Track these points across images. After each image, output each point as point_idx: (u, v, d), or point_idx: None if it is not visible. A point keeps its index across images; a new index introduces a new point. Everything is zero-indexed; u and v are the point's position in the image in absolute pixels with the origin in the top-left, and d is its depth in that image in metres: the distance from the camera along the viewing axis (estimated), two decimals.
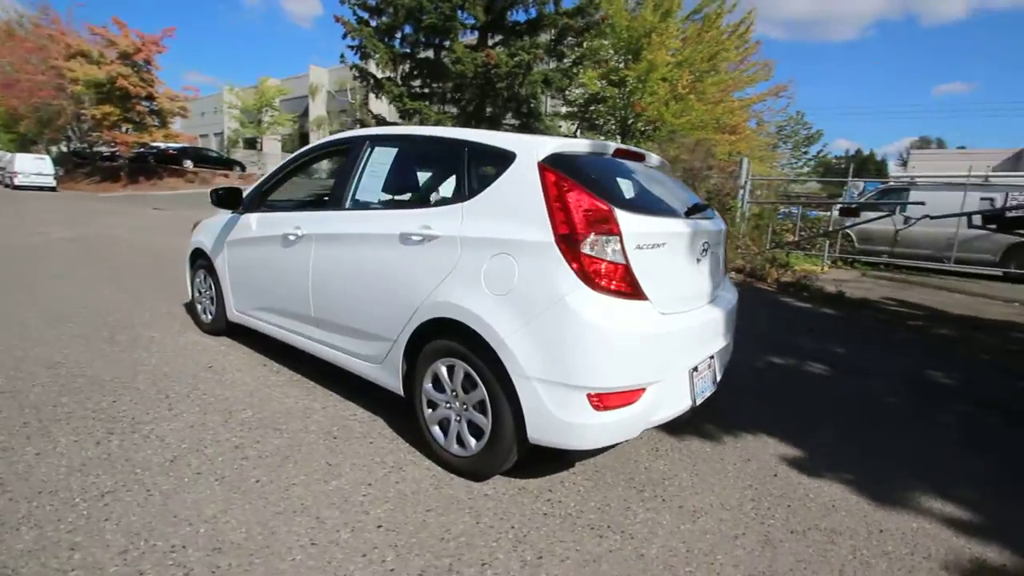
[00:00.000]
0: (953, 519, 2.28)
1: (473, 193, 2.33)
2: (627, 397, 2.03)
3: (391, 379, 2.61)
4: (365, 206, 2.84)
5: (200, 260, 4.13)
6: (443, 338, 2.31)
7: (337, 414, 2.88)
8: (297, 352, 3.36)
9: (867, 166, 55.37)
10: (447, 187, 2.72)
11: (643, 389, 2.06)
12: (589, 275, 1.96)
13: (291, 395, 3.10)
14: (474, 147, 2.43)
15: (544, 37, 18.78)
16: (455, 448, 2.32)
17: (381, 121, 20.30)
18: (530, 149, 2.22)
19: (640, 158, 2.70)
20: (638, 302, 2.06)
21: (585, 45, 18.04)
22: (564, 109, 23.59)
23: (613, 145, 2.48)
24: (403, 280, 2.45)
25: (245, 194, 3.65)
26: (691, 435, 2.89)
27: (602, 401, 1.98)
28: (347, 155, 3.05)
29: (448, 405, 2.35)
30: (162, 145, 28.01)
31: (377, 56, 17.79)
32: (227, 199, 3.57)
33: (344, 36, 17.56)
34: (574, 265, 1.96)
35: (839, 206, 12.29)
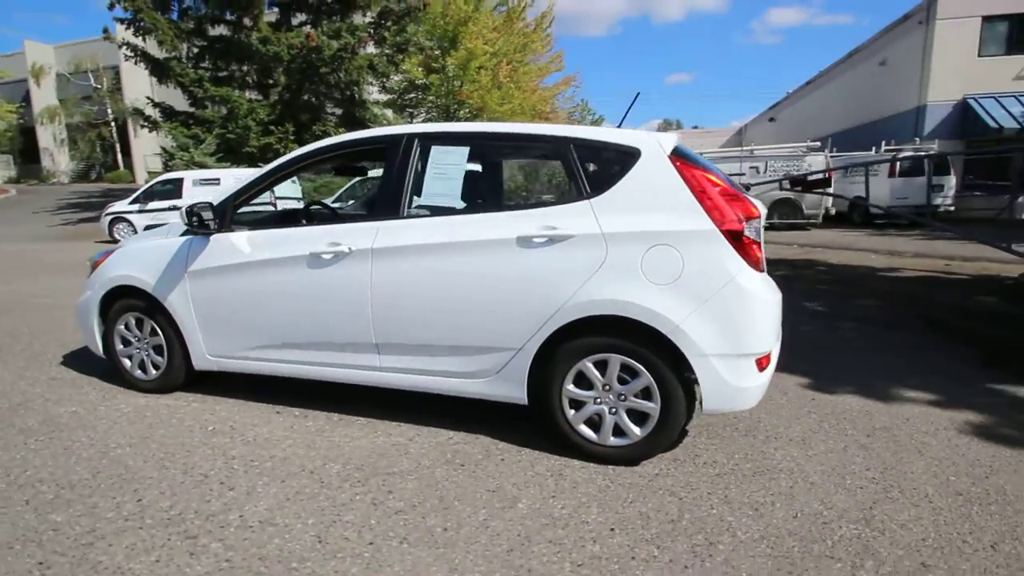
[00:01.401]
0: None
1: (598, 189, 2.34)
2: (770, 357, 2.34)
3: (510, 390, 2.49)
4: (439, 212, 2.57)
5: (127, 301, 3.18)
6: (591, 336, 2.31)
7: (432, 442, 2.61)
8: (296, 390, 2.90)
9: None
10: (541, 185, 2.62)
11: (772, 350, 2.39)
12: (749, 255, 2.19)
13: (354, 435, 2.69)
14: (581, 143, 2.42)
15: (359, 19, 17.74)
16: (613, 440, 2.36)
17: (167, 111, 16.91)
18: (654, 144, 2.32)
19: None
20: (766, 275, 2.37)
21: (409, 30, 17.55)
22: (384, 97, 22.74)
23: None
24: (530, 285, 2.34)
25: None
26: None
27: (760, 364, 2.25)
28: (387, 156, 2.70)
29: (598, 401, 2.36)
30: None
31: (159, 32, 14.73)
32: (203, 217, 2.81)
33: (111, 7, 14.11)
34: (739, 248, 2.17)
35: None
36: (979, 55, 16.63)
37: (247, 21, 16.34)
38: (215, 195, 2.98)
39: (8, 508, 2.09)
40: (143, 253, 3.16)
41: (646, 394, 2.29)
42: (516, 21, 23.15)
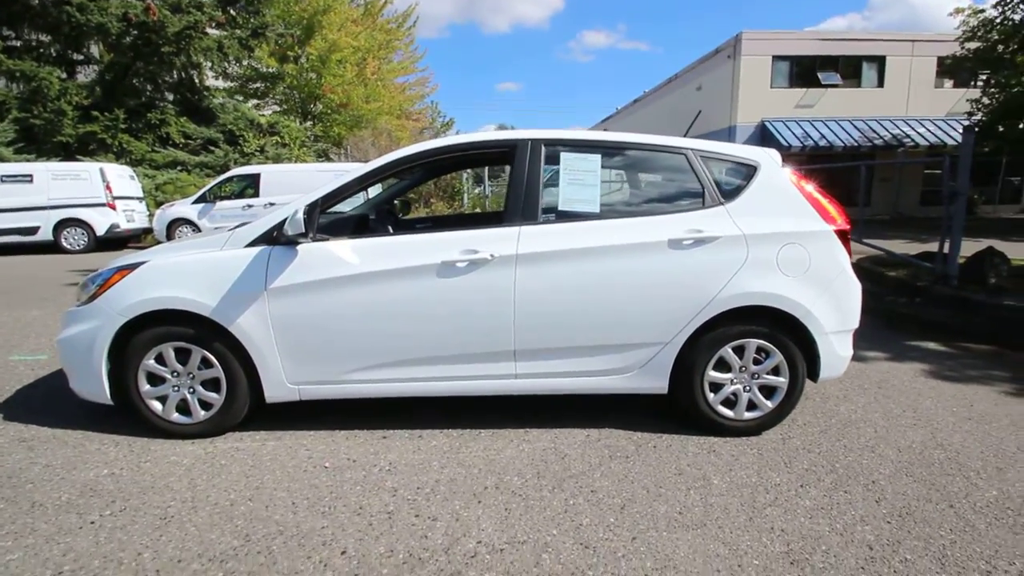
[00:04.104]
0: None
1: (729, 197, 2.65)
2: None
3: (653, 382, 2.67)
4: (576, 217, 2.63)
5: (164, 329, 2.58)
6: (731, 324, 2.61)
7: (576, 442, 2.67)
8: (359, 412, 2.81)
9: None
10: (666, 192, 2.81)
11: None
12: (848, 250, 2.70)
13: (496, 448, 2.62)
14: (707, 155, 2.70)
15: None
16: (747, 415, 2.70)
17: None
18: (769, 158, 2.73)
19: None
20: None
21: (266, 14, 15.82)
22: (223, 84, 20.11)
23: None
24: (682, 283, 2.56)
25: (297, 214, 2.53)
26: None
27: (853, 336, 2.80)
28: (515, 161, 2.67)
29: (734, 381, 2.68)
30: None
31: None
32: (294, 227, 2.43)
33: None
34: (846, 244, 2.67)
35: None
36: (771, 87, 20.85)
37: None
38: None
39: None
40: (191, 268, 2.59)
41: (775, 371, 2.68)
42: (376, 16, 22.35)
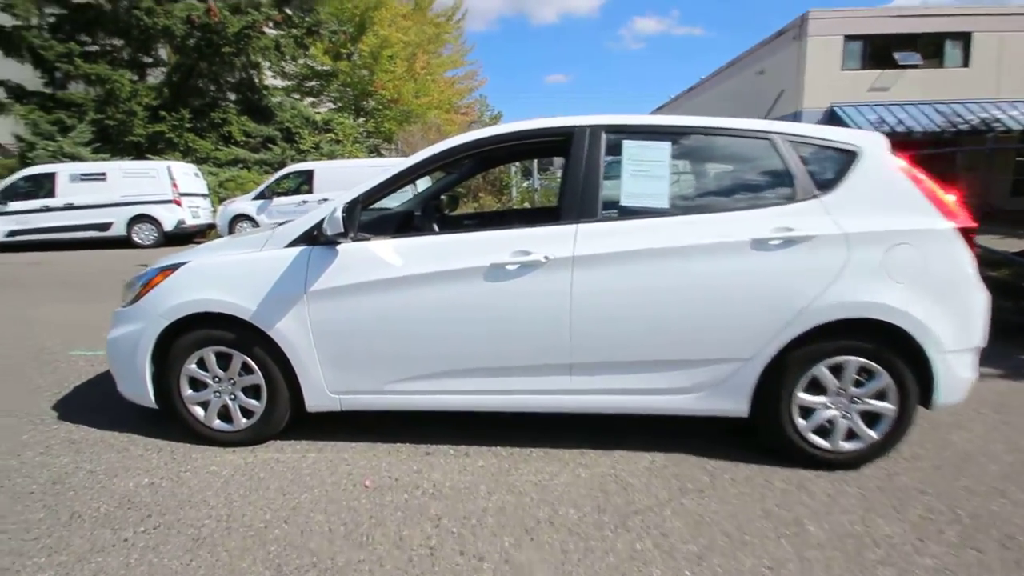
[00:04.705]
0: None
1: (825, 188, 2.26)
2: None
3: (730, 404, 2.33)
4: (641, 214, 2.31)
5: (205, 332, 2.48)
6: (827, 339, 2.22)
7: (640, 468, 2.36)
8: (400, 423, 2.57)
9: None
10: (750, 184, 2.45)
11: None
12: (974, 252, 2.25)
13: (550, 472, 2.35)
14: (796, 139, 2.32)
15: None
16: (845, 446, 2.31)
17: (16, 91, 13.77)
18: (873, 142, 2.31)
19: None
20: None
21: (320, 11, 16.10)
22: (280, 83, 20.73)
23: None
24: (768, 290, 2.20)
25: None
26: None
27: (978, 355, 2.34)
28: (571, 150, 2.38)
29: (830, 406, 2.30)
30: None
31: None
32: (346, 223, 2.25)
33: None
34: (971, 246, 2.22)
35: None
36: (841, 69, 19.36)
37: None
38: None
39: None
40: (230, 270, 2.48)
41: (880, 395, 2.27)
42: (425, 10, 22.40)
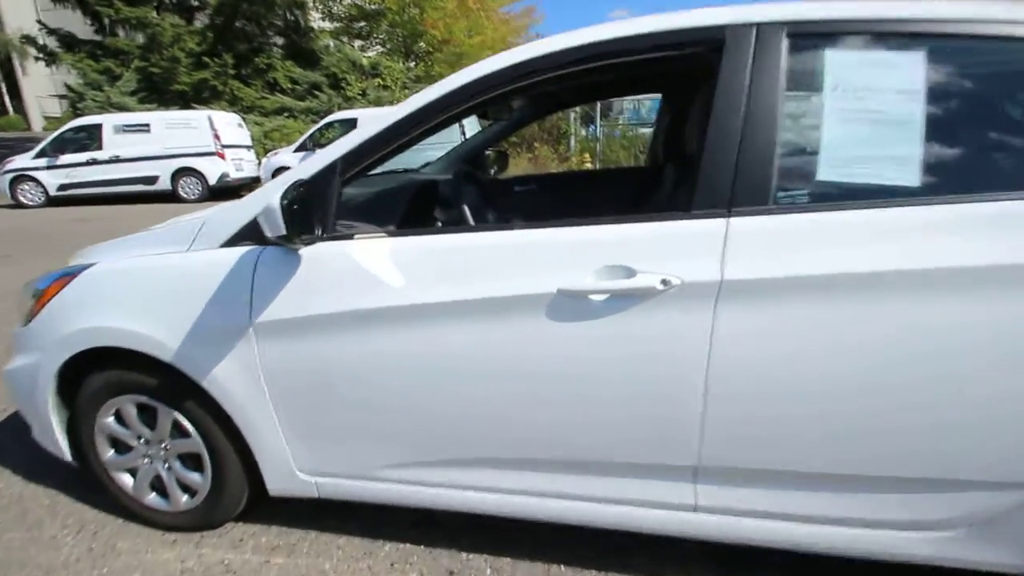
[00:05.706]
0: None
1: None
2: None
3: (1012, 555, 1.25)
4: (862, 197, 1.19)
5: (118, 375, 1.63)
6: None
7: None
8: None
9: None
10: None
11: None
12: None
13: None
14: None
15: None
16: None
17: (67, 39, 13.51)
18: None
19: None
20: None
21: None
22: (328, 25, 19.67)
23: None
24: None
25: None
26: None
27: None
28: (720, 69, 1.25)
29: None
30: None
31: None
32: (304, 214, 1.28)
33: None
34: None
35: None
36: None
37: None
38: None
39: None
40: (139, 282, 1.58)
41: None
42: None
